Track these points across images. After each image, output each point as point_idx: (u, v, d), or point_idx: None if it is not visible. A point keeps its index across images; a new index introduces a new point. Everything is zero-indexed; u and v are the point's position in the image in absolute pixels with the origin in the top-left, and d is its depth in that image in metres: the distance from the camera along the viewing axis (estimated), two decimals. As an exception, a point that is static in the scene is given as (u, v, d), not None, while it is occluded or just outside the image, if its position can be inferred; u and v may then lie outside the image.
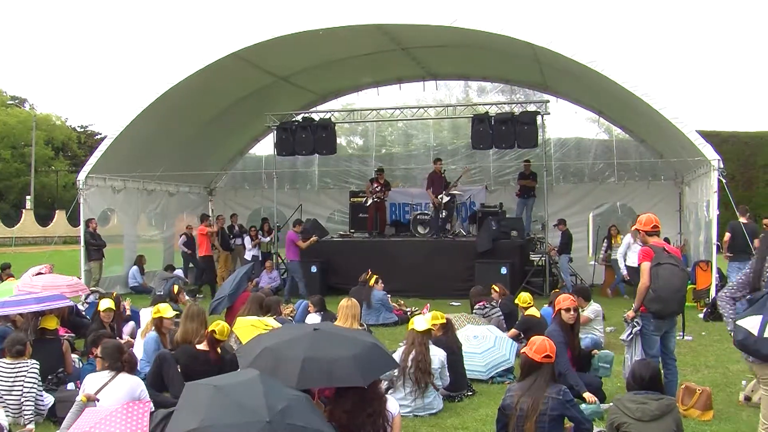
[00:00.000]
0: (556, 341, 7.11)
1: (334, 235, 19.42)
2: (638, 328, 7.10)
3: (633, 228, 7.69)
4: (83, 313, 12.09)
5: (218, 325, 7.48)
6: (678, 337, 8.12)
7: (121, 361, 6.51)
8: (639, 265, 7.18)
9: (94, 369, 7.11)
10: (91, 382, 6.43)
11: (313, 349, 5.37)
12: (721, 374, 9.14)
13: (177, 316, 8.91)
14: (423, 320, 7.72)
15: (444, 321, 8.24)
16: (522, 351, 5.94)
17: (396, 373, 7.33)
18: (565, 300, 7.68)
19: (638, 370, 5.48)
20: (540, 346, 5.71)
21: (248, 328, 8.74)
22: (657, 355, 7.11)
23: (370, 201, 18.98)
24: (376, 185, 19.09)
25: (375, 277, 13.72)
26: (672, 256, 7.14)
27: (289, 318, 11.32)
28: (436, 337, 8.04)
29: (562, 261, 17.31)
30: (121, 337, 9.54)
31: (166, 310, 8.64)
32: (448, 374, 7.73)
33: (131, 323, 10.69)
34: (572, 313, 7.59)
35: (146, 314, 9.91)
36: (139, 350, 8.45)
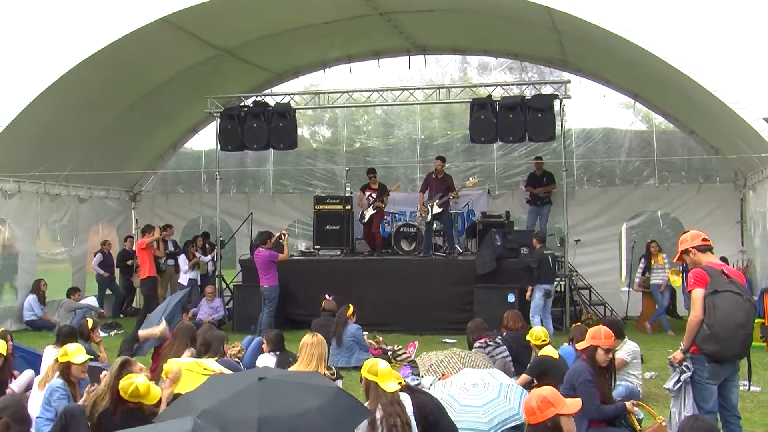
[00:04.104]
0: (582, 379, 7.19)
1: (294, 252, 19.28)
2: (688, 374, 7.04)
3: (678, 254, 7.47)
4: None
5: (128, 380, 7.13)
6: (742, 388, 8.08)
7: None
8: (689, 291, 7.13)
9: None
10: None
11: (265, 405, 5.27)
12: (803, 438, 9.03)
13: (92, 360, 8.73)
14: (389, 375, 7.36)
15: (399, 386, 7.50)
16: None
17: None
18: (606, 337, 7.74)
19: (688, 429, 5.40)
20: (526, 399, 5.69)
21: (182, 373, 8.55)
22: (714, 410, 7.06)
23: (368, 215, 19.02)
24: (369, 192, 19.02)
25: (352, 307, 13.67)
26: (733, 281, 7.09)
27: (236, 360, 11.19)
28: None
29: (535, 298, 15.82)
30: (4, 390, 9.30)
31: (76, 353, 8.41)
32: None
33: (29, 372, 10.46)
34: (609, 355, 7.72)
35: (50, 355, 9.71)
36: (36, 404, 8.25)
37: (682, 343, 7.16)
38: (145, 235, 17.93)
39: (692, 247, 7.39)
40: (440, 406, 7.92)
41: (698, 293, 6.99)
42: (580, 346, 8.00)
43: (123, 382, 7.08)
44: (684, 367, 7.08)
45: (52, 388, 8.27)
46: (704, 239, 7.45)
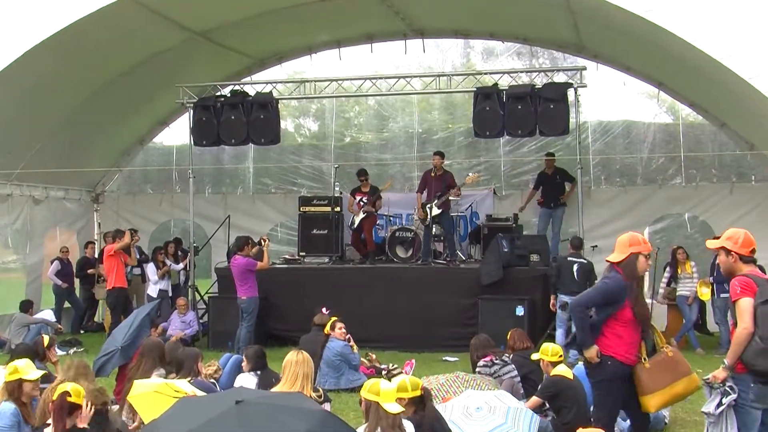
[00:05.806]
0: (610, 282, 7.92)
1: (277, 260, 19.19)
2: (733, 396, 6.91)
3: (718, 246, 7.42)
4: None
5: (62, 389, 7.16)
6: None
7: None
8: (734, 301, 7.00)
9: None
10: None
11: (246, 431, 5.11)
12: None
13: (46, 378, 8.63)
14: (392, 395, 7.32)
15: (418, 393, 7.79)
16: None
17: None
18: (644, 242, 8.19)
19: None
20: None
21: (150, 396, 8.46)
22: (759, 440, 6.95)
23: (358, 221, 18.98)
24: (360, 197, 19.01)
25: (333, 319, 13.56)
26: (779, 291, 6.99)
27: (212, 381, 11.10)
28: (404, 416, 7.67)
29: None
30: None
31: (27, 370, 8.35)
32: None
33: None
34: (650, 262, 8.32)
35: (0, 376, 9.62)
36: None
37: (725, 360, 7.04)
38: (115, 241, 17.82)
39: (739, 254, 7.26)
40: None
41: (747, 302, 6.90)
42: (615, 258, 8.11)
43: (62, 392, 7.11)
44: (728, 388, 6.94)
45: (1, 413, 8.14)
46: (753, 250, 7.35)
